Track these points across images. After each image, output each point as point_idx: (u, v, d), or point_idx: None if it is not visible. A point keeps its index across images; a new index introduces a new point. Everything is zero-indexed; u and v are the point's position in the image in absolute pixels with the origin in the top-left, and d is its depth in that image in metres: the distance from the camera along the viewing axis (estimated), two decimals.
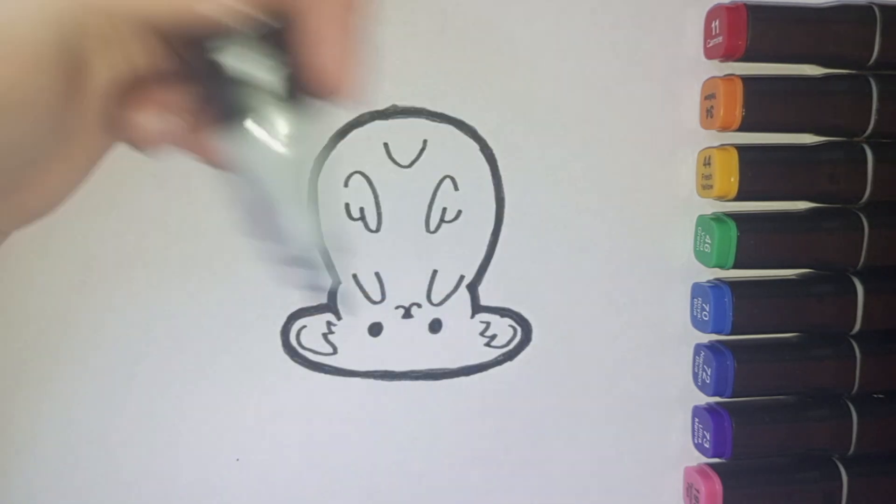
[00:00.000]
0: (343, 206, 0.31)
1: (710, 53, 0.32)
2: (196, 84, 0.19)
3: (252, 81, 0.19)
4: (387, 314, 0.32)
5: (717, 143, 0.32)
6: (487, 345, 0.33)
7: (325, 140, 0.31)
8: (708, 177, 0.32)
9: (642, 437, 0.34)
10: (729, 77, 0.31)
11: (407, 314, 0.32)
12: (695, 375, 0.34)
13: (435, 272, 0.32)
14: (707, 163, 0.32)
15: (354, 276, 0.32)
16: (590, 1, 0.32)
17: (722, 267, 0.32)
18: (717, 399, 0.33)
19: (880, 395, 0.33)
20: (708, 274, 0.33)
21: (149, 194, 0.30)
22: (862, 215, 0.32)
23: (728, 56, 0.31)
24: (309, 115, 0.20)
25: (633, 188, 0.33)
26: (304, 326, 0.32)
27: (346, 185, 0.31)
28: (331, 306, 0.32)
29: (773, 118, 0.31)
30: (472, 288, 0.32)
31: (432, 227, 0.32)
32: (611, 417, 0.34)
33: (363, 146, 0.31)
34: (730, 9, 0.30)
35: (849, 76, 0.32)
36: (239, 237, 0.31)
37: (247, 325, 0.32)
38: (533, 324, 0.33)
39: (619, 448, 0.34)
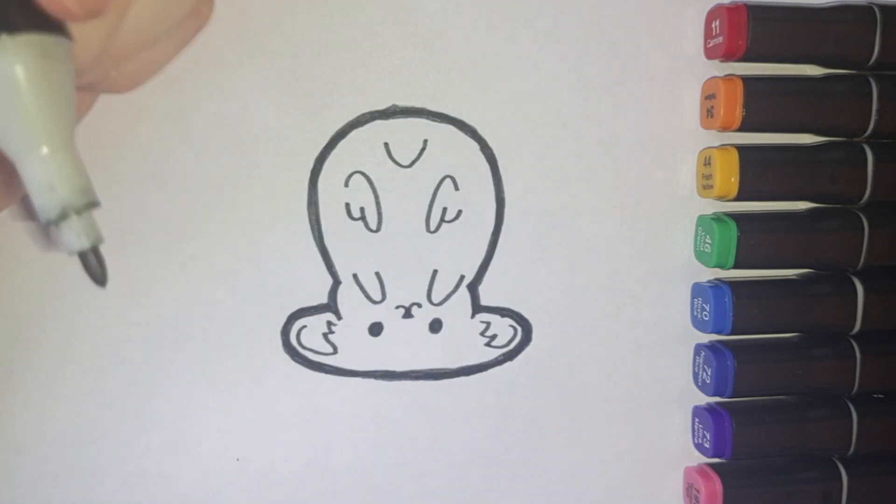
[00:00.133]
0: (343, 206, 0.31)
1: (710, 53, 0.32)
2: None
3: None
4: (387, 314, 0.32)
5: (717, 143, 0.32)
6: (487, 345, 0.33)
7: (325, 140, 0.31)
8: (708, 177, 0.32)
9: (642, 437, 0.34)
10: (729, 77, 0.31)
11: (407, 314, 0.32)
12: (695, 375, 0.34)
13: (435, 272, 0.32)
14: (707, 163, 0.32)
15: (354, 276, 0.32)
16: (590, 1, 0.32)
17: (722, 267, 0.32)
18: (717, 399, 0.33)
19: (880, 395, 0.33)
20: (708, 274, 0.33)
21: (149, 194, 0.30)
22: (862, 215, 0.32)
23: (728, 56, 0.31)
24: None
25: (633, 188, 0.33)
26: (304, 326, 0.32)
27: (346, 184, 0.31)
28: (331, 306, 0.32)
29: (774, 118, 0.31)
30: (473, 288, 0.32)
31: (432, 227, 0.32)
32: (611, 417, 0.34)
33: (363, 146, 0.31)
34: (730, 9, 0.30)
35: (849, 76, 0.32)
36: (239, 237, 0.31)
37: (247, 325, 0.32)
38: (533, 324, 0.33)
39: (619, 448, 0.34)
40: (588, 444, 0.34)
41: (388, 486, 0.33)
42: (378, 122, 0.31)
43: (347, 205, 0.31)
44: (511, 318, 0.33)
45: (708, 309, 0.32)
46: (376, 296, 0.32)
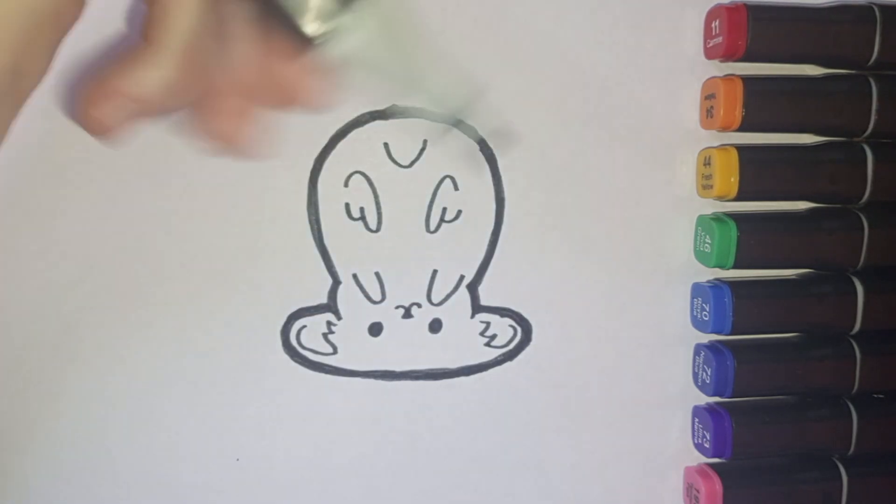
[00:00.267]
0: (343, 206, 0.31)
1: (710, 53, 0.32)
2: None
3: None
4: (387, 314, 0.32)
5: (717, 143, 0.32)
6: (487, 345, 0.33)
7: (325, 140, 0.31)
8: (708, 177, 0.32)
9: (642, 437, 0.34)
10: (729, 77, 0.31)
11: (407, 314, 0.32)
12: (695, 375, 0.34)
13: (435, 272, 0.32)
14: (707, 163, 0.32)
15: (354, 276, 0.32)
16: (590, 1, 0.32)
17: (722, 267, 0.32)
18: (717, 399, 0.33)
19: (880, 395, 0.33)
20: (708, 274, 0.33)
21: (149, 194, 0.30)
22: (862, 215, 0.32)
23: (728, 56, 0.31)
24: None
25: (633, 188, 0.33)
26: (304, 326, 0.32)
27: (346, 185, 0.31)
28: (331, 306, 0.32)
29: (773, 118, 0.31)
30: (472, 288, 0.32)
31: (432, 227, 0.32)
32: (611, 417, 0.34)
33: (363, 146, 0.31)
34: (730, 9, 0.30)
35: (849, 76, 0.32)
36: (239, 237, 0.31)
37: (247, 325, 0.32)
38: (533, 324, 0.33)
39: (619, 448, 0.34)
40: (588, 444, 0.34)
41: (388, 486, 0.33)
42: (378, 122, 0.31)
43: (347, 205, 0.31)
44: (511, 318, 0.33)
45: (708, 309, 0.32)
46: (376, 296, 0.32)
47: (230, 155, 0.21)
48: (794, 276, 0.33)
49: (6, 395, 0.31)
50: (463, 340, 0.33)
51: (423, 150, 0.31)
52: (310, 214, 0.31)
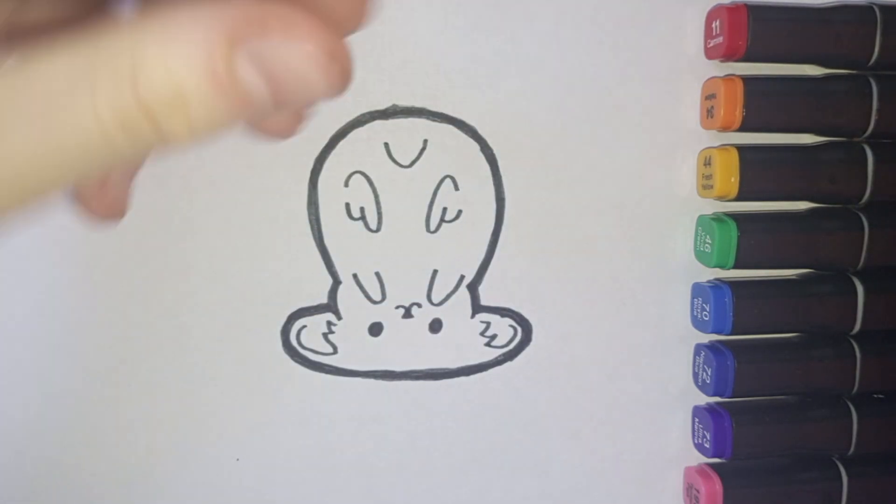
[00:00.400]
0: (343, 206, 0.31)
1: (710, 54, 0.32)
2: None
3: None
4: (387, 314, 0.32)
5: (717, 144, 0.32)
6: (487, 345, 0.33)
7: (325, 140, 0.31)
8: (708, 177, 0.32)
9: (642, 437, 0.34)
10: (729, 77, 0.31)
11: (407, 314, 0.32)
12: (695, 375, 0.34)
13: (435, 272, 0.32)
14: (707, 163, 0.32)
15: (354, 276, 0.32)
16: (590, 1, 0.32)
17: (722, 267, 0.32)
18: (718, 399, 0.33)
19: (880, 395, 0.33)
20: (708, 274, 0.33)
21: (149, 194, 0.30)
22: (862, 215, 0.32)
23: (728, 56, 0.31)
24: None
25: (633, 188, 0.33)
26: (304, 326, 0.32)
27: (346, 184, 0.31)
28: (331, 306, 0.32)
29: (774, 118, 0.31)
30: (473, 288, 0.32)
31: (432, 227, 0.32)
32: (611, 417, 0.34)
33: (363, 146, 0.31)
34: (730, 9, 0.30)
35: (849, 76, 0.32)
36: (239, 237, 0.31)
37: (247, 325, 0.32)
38: (533, 324, 0.33)
39: (619, 448, 0.34)
40: (588, 444, 0.34)
41: (388, 486, 0.33)
42: (378, 122, 0.31)
43: (347, 205, 0.31)
44: (511, 318, 0.33)
45: (708, 309, 0.32)
46: (376, 296, 0.32)
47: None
48: (794, 276, 0.33)
49: (3, 395, 0.31)
50: (463, 340, 0.33)
51: (423, 150, 0.31)
52: (310, 214, 0.31)
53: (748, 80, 0.31)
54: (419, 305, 0.32)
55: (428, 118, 0.31)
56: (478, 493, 0.34)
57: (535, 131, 0.32)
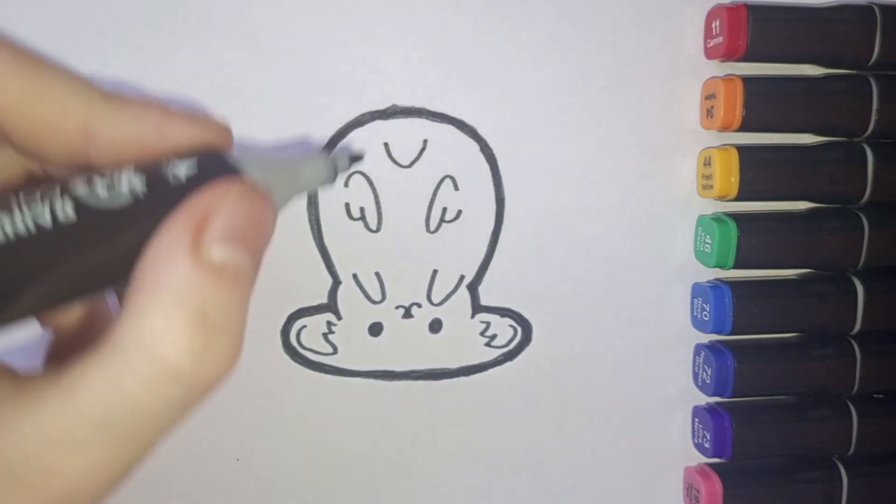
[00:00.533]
0: (343, 206, 0.31)
1: (710, 53, 0.32)
2: None
3: None
4: (387, 314, 0.32)
5: (717, 144, 0.32)
6: (487, 345, 0.33)
7: (325, 140, 0.31)
8: (708, 177, 0.32)
9: (642, 437, 0.34)
10: (729, 77, 0.31)
11: (407, 314, 0.32)
12: (695, 375, 0.34)
13: (435, 272, 0.32)
14: (707, 163, 0.32)
15: (354, 276, 0.32)
16: (589, 1, 0.32)
17: (722, 267, 0.32)
18: (717, 399, 0.33)
19: (880, 395, 0.33)
20: (708, 274, 0.33)
21: None
22: (862, 215, 0.32)
23: (728, 56, 0.31)
24: None
25: (633, 188, 0.33)
26: (304, 326, 0.32)
27: (346, 185, 0.31)
28: (331, 306, 0.32)
29: (774, 118, 0.31)
30: (472, 288, 0.32)
31: (432, 227, 0.32)
32: (611, 417, 0.34)
33: (363, 146, 0.31)
34: (730, 9, 0.30)
35: (849, 76, 0.32)
36: None
37: (247, 325, 0.32)
38: (533, 324, 0.33)
39: (619, 448, 0.34)
40: (588, 444, 0.34)
41: (388, 486, 0.33)
42: (378, 122, 0.31)
43: (347, 205, 0.31)
44: (511, 318, 0.33)
45: (708, 309, 0.32)
46: (376, 296, 0.32)
47: None
48: (794, 276, 0.33)
49: None
50: (463, 340, 0.33)
51: (423, 150, 0.31)
52: (310, 214, 0.31)
53: (748, 80, 0.31)
54: (419, 305, 0.32)
55: (428, 118, 0.31)
56: (478, 493, 0.34)
57: (535, 131, 0.32)
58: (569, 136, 0.32)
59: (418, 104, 0.31)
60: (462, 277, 0.32)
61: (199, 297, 0.16)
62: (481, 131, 0.32)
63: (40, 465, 0.16)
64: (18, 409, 0.16)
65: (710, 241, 0.32)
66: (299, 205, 0.31)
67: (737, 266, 0.32)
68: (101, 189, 0.17)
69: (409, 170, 0.32)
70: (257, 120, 0.31)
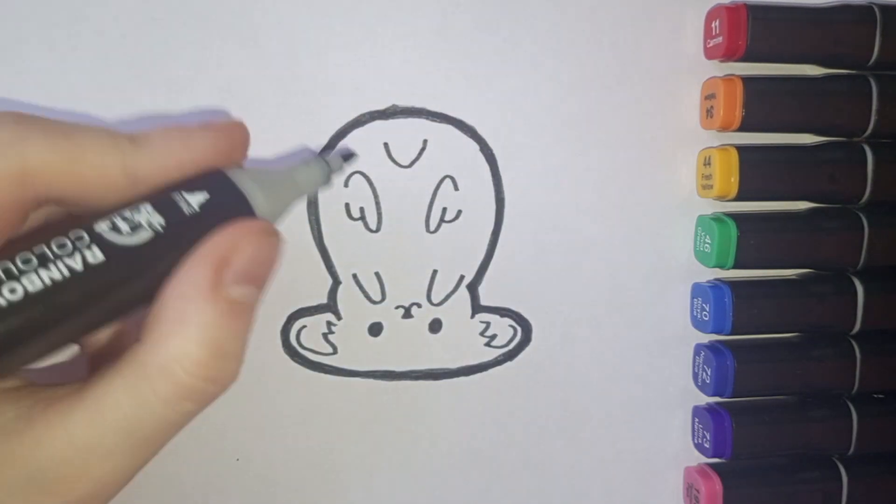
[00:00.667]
0: (343, 206, 0.31)
1: (710, 53, 0.32)
2: None
3: None
4: (387, 314, 0.32)
5: (717, 143, 0.32)
6: (487, 345, 0.33)
7: (325, 140, 0.31)
8: (708, 177, 0.32)
9: (642, 437, 0.34)
10: (729, 77, 0.31)
11: (407, 314, 0.32)
12: (695, 375, 0.34)
13: (435, 272, 0.32)
14: (707, 163, 0.32)
15: (354, 276, 0.32)
16: (589, 1, 0.32)
17: (722, 267, 0.32)
18: (717, 399, 0.33)
19: (880, 395, 0.33)
20: (708, 274, 0.33)
21: None
22: (862, 215, 0.32)
23: (728, 56, 0.31)
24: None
25: (633, 188, 0.33)
26: (304, 326, 0.32)
27: (346, 185, 0.31)
28: (331, 306, 0.32)
29: (774, 118, 0.31)
30: (472, 288, 0.32)
31: (432, 227, 0.32)
32: (611, 417, 0.34)
33: (363, 146, 0.31)
34: (730, 9, 0.30)
35: (849, 76, 0.32)
36: None
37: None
38: (533, 324, 0.33)
39: (619, 448, 0.34)
40: (588, 444, 0.34)
41: (388, 486, 0.33)
42: (378, 122, 0.31)
43: (347, 205, 0.31)
44: (511, 318, 0.33)
45: (708, 309, 0.32)
46: (376, 296, 0.32)
47: None
48: (794, 276, 0.33)
49: None
50: (463, 340, 0.33)
51: (423, 150, 0.31)
52: (310, 214, 0.31)
53: (748, 80, 0.31)
54: (419, 305, 0.32)
55: (428, 118, 0.31)
56: (478, 493, 0.34)
57: (535, 131, 0.32)
58: (569, 136, 0.32)
59: (418, 104, 0.31)
60: (462, 277, 0.32)
61: (215, 330, 0.19)
62: (481, 131, 0.32)
63: (70, 470, 0.18)
64: (50, 421, 0.18)
65: (709, 241, 0.32)
66: (300, 205, 0.31)
67: (737, 266, 0.32)
68: (124, 228, 0.19)
69: (409, 170, 0.32)
70: (257, 120, 0.31)
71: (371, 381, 0.33)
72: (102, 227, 0.19)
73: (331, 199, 0.31)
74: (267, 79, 0.30)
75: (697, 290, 0.33)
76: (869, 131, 0.32)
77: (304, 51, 0.30)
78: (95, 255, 0.18)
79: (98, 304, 0.18)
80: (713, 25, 0.31)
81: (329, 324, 0.32)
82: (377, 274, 0.32)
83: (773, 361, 0.32)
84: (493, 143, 0.32)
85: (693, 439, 0.34)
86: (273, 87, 0.30)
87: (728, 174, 0.31)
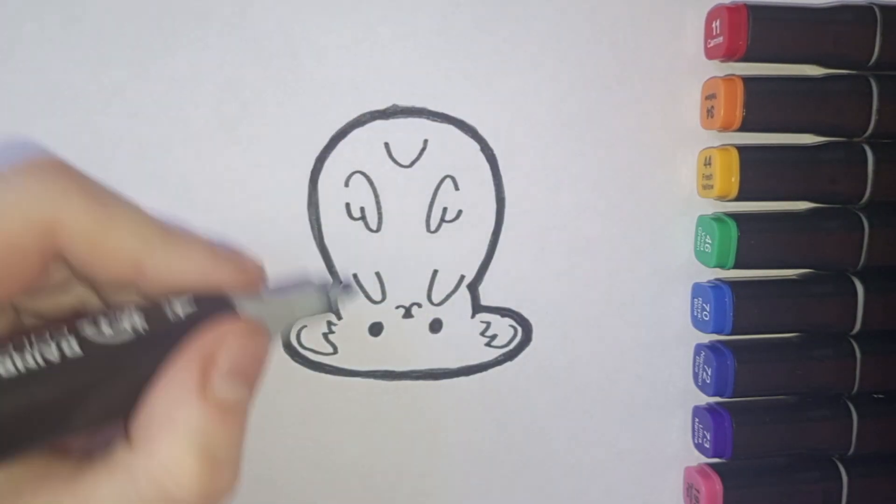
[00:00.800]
0: (343, 206, 0.31)
1: (710, 53, 0.32)
2: None
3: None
4: (387, 314, 0.32)
5: (717, 143, 0.32)
6: (488, 345, 0.33)
7: (325, 140, 0.31)
8: (709, 177, 0.32)
9: (642, 437, 0.34)
10: (729, 77, 0.31)
11: (407, 314, 0.32)
12: (695, 375, 0.34)
13: (435, 272, 0.32)
14: (708, 163, 0.32)
15: (354, 276, 0.32)
16: (590, 1, 0.32)
17: (722, 267, 0.32)
18: (718, 399, 0.33)
19: (880, 395, 0.33)
20: (708, 274, 0.33)
21: (149, 194, 0.30)
22: (862, 215, 0.32)
23: (728, 56, 0.31)
24: None
25: (633, 188, 0.33)
26: (305, 326, 0.32)
27: (346, 184, 0.31)
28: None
29: (774, 118, 0.31)
30: (473, 288, 0.32)
31: (433, 227, 0.32)
32: (611, 417, 0.34)
33: (363, 146, 0.31)
34: (730, 9, 0.30)
35: (849, 76, 0.32)
36: (239, 237, 0.31)
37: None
38: (533, 324, 0.33)
39: (619, 448, 0.34)
40: (588, 444, 0.34)
41: (388, 486, 0.33)
42: (378, 122, 0.31)
43: (347, 205, 0.31)
44: (511, 318, 0.33)
45: (708, 309, 0.32)
46: (376, 296, 0.32)
47: None
48: (794, 276, 0.33)
49: None
50: (463, 340, 0.33)
51: (423, 150, 0.31)
52: (310, 214, 0.31)
53: (748, 80, 0.31)
54: (419, 305, 0.32)
55: (428, 118, 0.31)
56: (478, 493, 0.34)
57: (535, 131, 0.32)
58: (569, 136, 0.32)
59: (418, 104, 0.31)
60: (462, 277, 0.32)
61: (206, 435, 0.18)
62: (481, 131, 0.32)
63: None
64: (37, 495, 0.18)
65: (710, 241, 0.32)
66: (300, 205, 0.31)
67: (737, 266, 0.32)
68: (104, 327, 0.19)
69: (409, 170, 0.32)
70: (257, 120, 0.31)
71: (371, 381, 0.33)
72: (84, 323, 0.19)
73: (331, 199, 0.31)
74: (267, 79, 0.30)
75: (698, 290, 0.33)
76: (869, 131, 0.32)
77: (304, 51, 0.30)
78: (73, 349, 0.18)
79: (72, 399, 0.18)
80: (714, 25, 0.31)
81: (329, 324, 0.32)
82: (377, 274, 0.32)
83: (773, 361, 0.33)
84: (493, 143, 0.32)
85: (693, 439, 0.34)
86: (273, 87, 0.30)
87: (728, 174, 0.31)
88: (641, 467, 0.34)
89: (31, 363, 0.17)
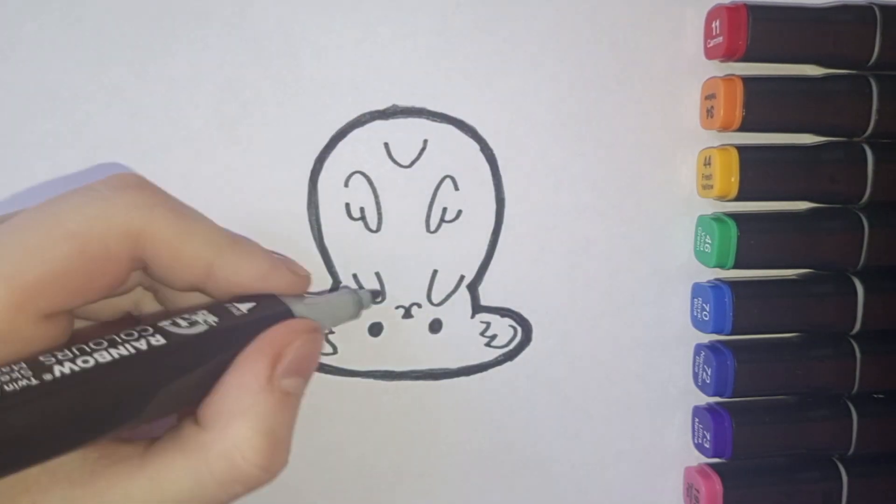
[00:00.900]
0: (343, 206, 0.31)
1: (710, 53, 0.32)
2: None
3: None
4: (387, 314, 0.32)
5: (717, 143, 0.32)
6: (487, 345, 0.33)
7: (325, 140, 0.31)
8: (708, 177, 0.32)
9: (642, 437, 0.34)
10: (729, 77, 0.31)
11: (407, 314, 0.32)
12: (695, 375, 0.34)
13: (435, 272, 0.32)
14: (707, 163, 0.32)
15: (354, 276, 0.32)
16: (589, 1, 0.32)
17: (722, 267, 0.32)
18: (718, 399, 0.33)
19: (880, 395, 0.33)
20: (708, 274, 0.33)
21: None
22: (862, 215, 0.32)
23: (728, 56, 0.31)
24: None
25: (633, 188, 0.33)
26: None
27: (346, 185, 0.31)
28: None
29: (774, 118, 0.31)
30: (473, 288, 0.32)
31: (432, 227, 0.32)
32: (611, 417, 0.34)
33: (363, 146, 0.31)
34: (730, 9, 0.30)
35: (849, 76, 0.32)
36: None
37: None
38: (533, 324, 0.33)
39: (619, 448, 0.34)
40: (588, 444, 0.34)
41: (388, 486, 0.33)
42: (378, 122, 0.31)
43: (347, 205, 0.31)
44: (511, 318, 0.33)
45: (708, 309, 0.32)
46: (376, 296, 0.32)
47: None
48: (794, 276, 0.33)
49: None
50: (463, 340, 0.33)
51: (423, 150, 0.31)
52: (310, 214, 0.31)
53: (748, 80, 0.31)
54: (419, 305, 0.32)
55: (428, 118, 0.31)
56: (478, 493, 0.34)
57: (535, 131, 0.32)
58: (569, 136, 0.32)
59: (418, 104, 0.31)
60: (462, 277, 0.32)
61: (271, 420, 0.21)
62: (481, 131, 0.32)
63: None
64: (112, 479, 0.20)
65: (710, 241, 0.32)
66: (300, 205, 0.31)
67: (737, 266, 0.32)
68: (182, 323, 0.21)
69: (409, 170, 0.32)
70: (257, 120, 0.31)
71: (371, 381, 0.33)
72: (164, 322, 0.21)
73: (331, 199, 0.31)
74: (267, 79, 0.30)
75: (697, 290, 0.33)
76: (869, 131, 0.32)
77: (304, 51, 0.30)
78: (158, 340, 0.20)
79: (158, 385, 0.20)
80: (713, 25, 0.31)
81: None
82: (377, 274, 0.32)
83: (773, 361, 0.32)
84: (493, 143, 0.32)
85: (693, 439, 0.34)
86: (273, 87, 0.30)
87: (728, 174, 0.31)
88: (641, 467, 0.34)
89: (124, 352, 0.20)
